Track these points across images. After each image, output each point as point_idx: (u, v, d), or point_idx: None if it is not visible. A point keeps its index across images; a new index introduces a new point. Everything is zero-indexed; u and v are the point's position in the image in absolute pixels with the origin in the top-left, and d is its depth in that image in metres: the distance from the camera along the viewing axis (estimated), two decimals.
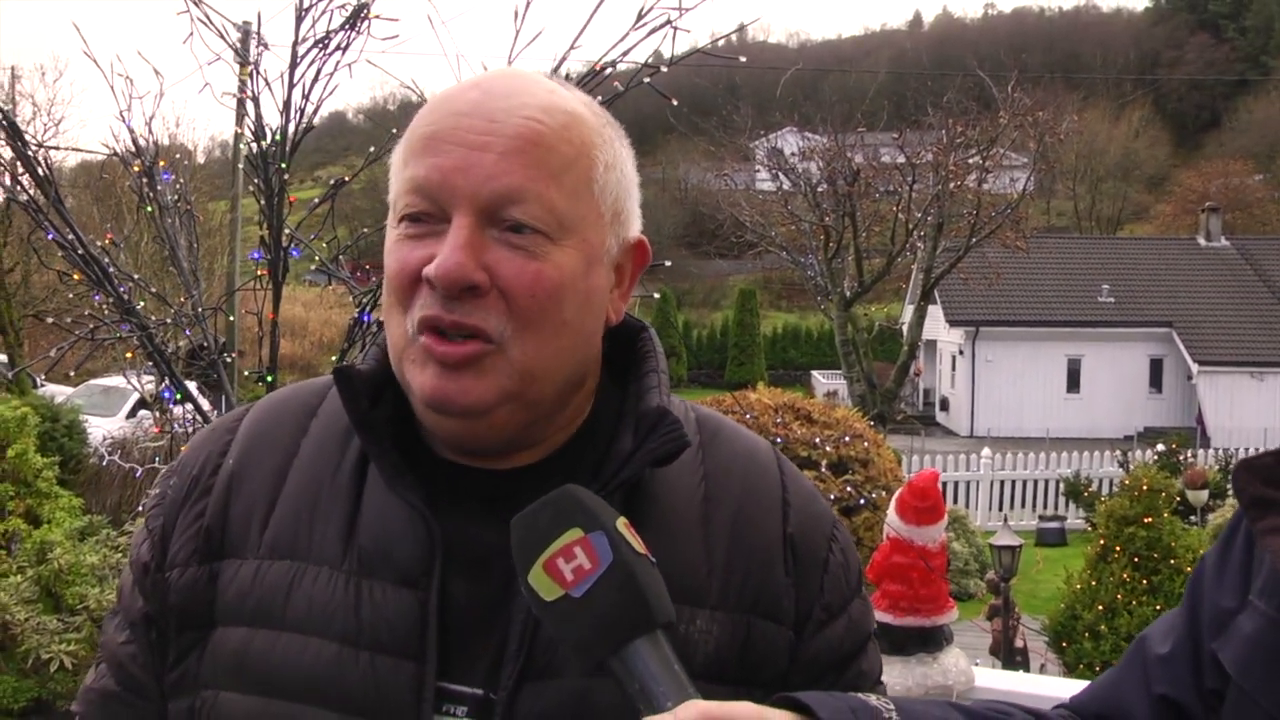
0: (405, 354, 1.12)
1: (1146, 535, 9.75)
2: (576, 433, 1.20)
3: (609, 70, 4.31)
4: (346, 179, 5.13)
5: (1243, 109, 67.02)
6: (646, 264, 1.24)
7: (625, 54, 4.27)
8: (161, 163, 5.33)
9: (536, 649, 1.09)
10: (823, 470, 9.83)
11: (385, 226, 1.18)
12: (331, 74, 4.68)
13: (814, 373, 41.83)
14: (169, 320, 5.30)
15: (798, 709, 1.01)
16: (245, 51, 4.93)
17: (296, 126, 4.73)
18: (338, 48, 4.64)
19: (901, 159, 24.98)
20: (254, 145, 4.77)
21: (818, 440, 10.10)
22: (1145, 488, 9.91)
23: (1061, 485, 20.32)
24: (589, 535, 0.98)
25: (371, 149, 4.93)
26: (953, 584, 11.95)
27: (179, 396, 5.08)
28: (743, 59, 5.66)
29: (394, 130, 4.28)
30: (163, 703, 1.20)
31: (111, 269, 4.90)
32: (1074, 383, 35.38)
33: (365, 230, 6.25)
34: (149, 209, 5.27)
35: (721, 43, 4.73)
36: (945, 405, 37.94)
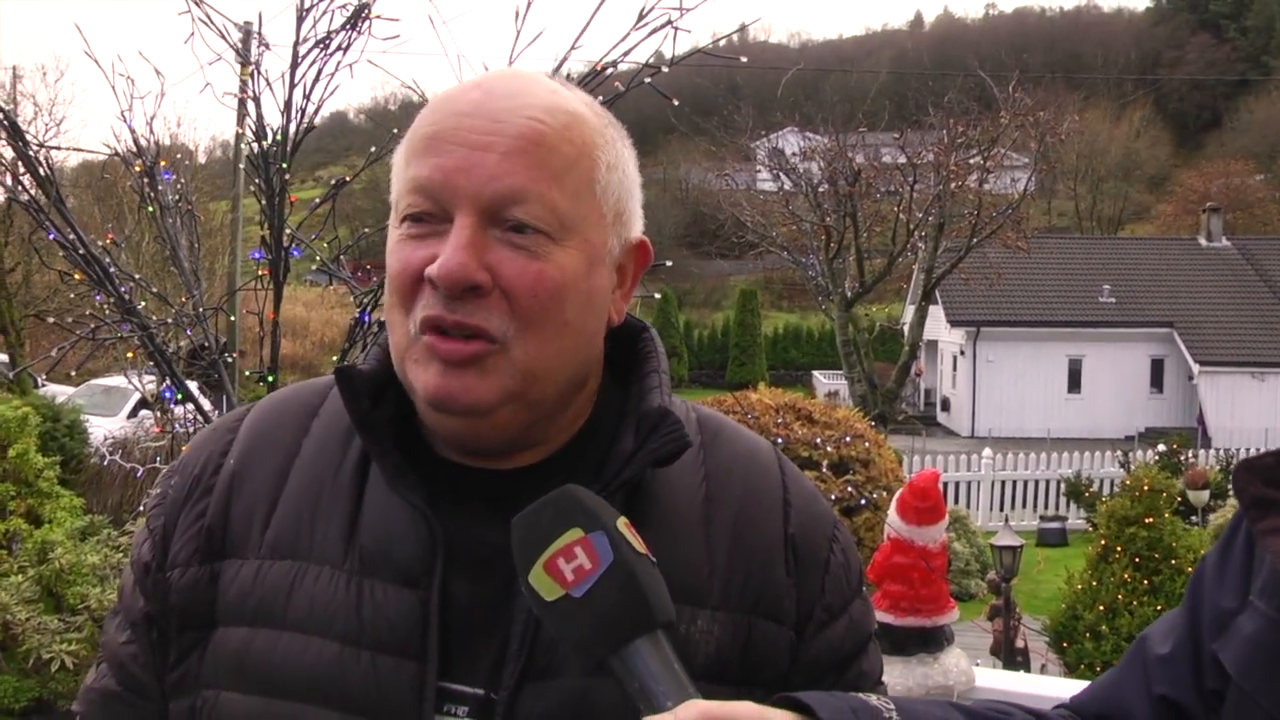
0: (408, 353, 1.12)
1: (1147, 536, 9.75)
2: (578, 433, 1.20)
3: (610, 70, 4.32)
4: (347, 179, 5.13)
5: (1244, 109, 66.99)
6: (648, 265, 1.24)
7: (626, 54, 4.27)
8: (163, 163, 5.33)
9: (538, 649, 1.09)
10: (824, 470, 9.84)
11: (386, 226, 1.18)
12: (332, 74, 4.69)
13: (815, 373, 41.82)
14: (170, 320, 5.31)
15: (798, 709, 1.01)
16: (246, 51, 4.93)
17: (297, 126, 4.73)
18: (339, 48, 4.64)
19: (903, 159, 24.98)
20: (255, 145, 4.77)
21: (819, 440, 10.10)
22: (1146, 488, 9.91)
23: (1062, 485, 20.32)
24: (589, 535, 0.98)
25: (373, 149, 4.94)
26: (954, 584, 11.96)
27: (180, 396, 5.08)
28: (744, 59, 5.66)
29: (395, 130, 4.29)
30: (164, 702, 1.20)
31: (113, 269, 4.90)
32: (1075, 383, 35.37)
33: (366, 230, 6.24)
34: (150, 209, 5.27)
35: (723, 43, 4.73)
36: (946, 405, 37.93)
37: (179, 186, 5.50)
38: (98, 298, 5.13)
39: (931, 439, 29.45)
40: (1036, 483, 20.65)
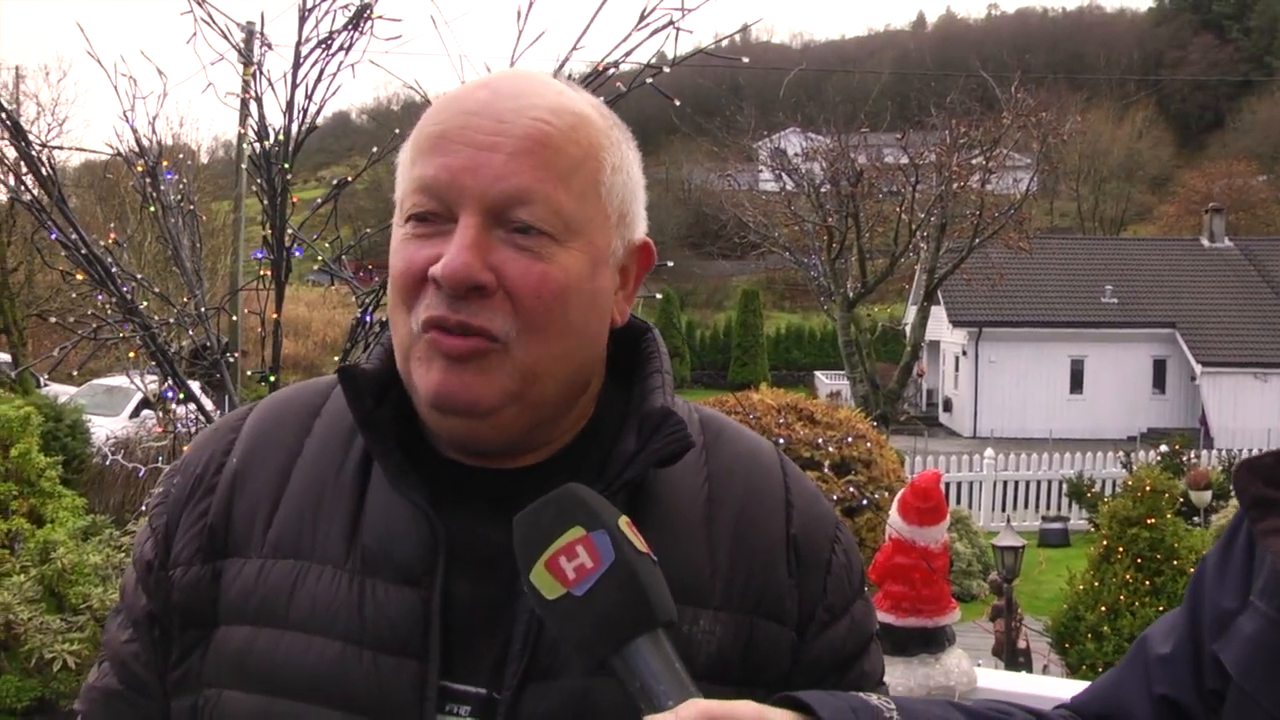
0: (411, 352, 1.12)
1: (1149, 536, 9.75)
2: (581, 433, 1.20)
3: (611, 71, 4.31)
4: (349, 179, 5.12)
5: (1246, 109, 66.99)
6: (651, 266, 1.24)
7: (628, 54, 4.26)
8: (165, 163, 5.33)
9: (540, 649, 1.09)
10: (825, 471, 9.84)
11: (389, 227, 1.18)
12: (334, 74, 4.68)
13: (817, 373, 41.82)
14: (172, 320, 5.31)
15: (799, 708, 1.01)
16: (248, 51, 4.93)
17: (299, 126, 4.73)
18: (341, 48, 4.63)
19: (905, 159, 25.01)
20: (257, 145, 4.77)
21: (820, 441, 10.11)
22: (1148, 489, 9.91)
23: (1064, 486, 20.32)
24: (591, 534, 0.98)
25: (374, 149, 4.93)
26: (955, 585, 11.97)
27: (182, 396, 5.08)
28: (746, 59, 5.65)
29: (397, 130, 4.29)
30: (165, 701, 1.20)
31: (115, 269, 4.90)
32: (1077, 383, 35.37)
33: (369, 230, 6.25)
34: (152, 209, 5.27)
35: (725, 43, 4.72)
36: (948, 406, 37.93)
37: (181, 186, 5.49)
38: (99, 297, 5.13)
39: (933, 439, 29.45)
40: (1038, 483, 20.65)
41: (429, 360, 1.10)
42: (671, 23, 4.17)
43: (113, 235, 5.44)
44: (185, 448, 1.35)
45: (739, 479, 1.24)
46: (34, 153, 4.87)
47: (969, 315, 34.76)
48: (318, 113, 4.74)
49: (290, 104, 4.69)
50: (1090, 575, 10.17)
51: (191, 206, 5.55)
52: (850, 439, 10.37)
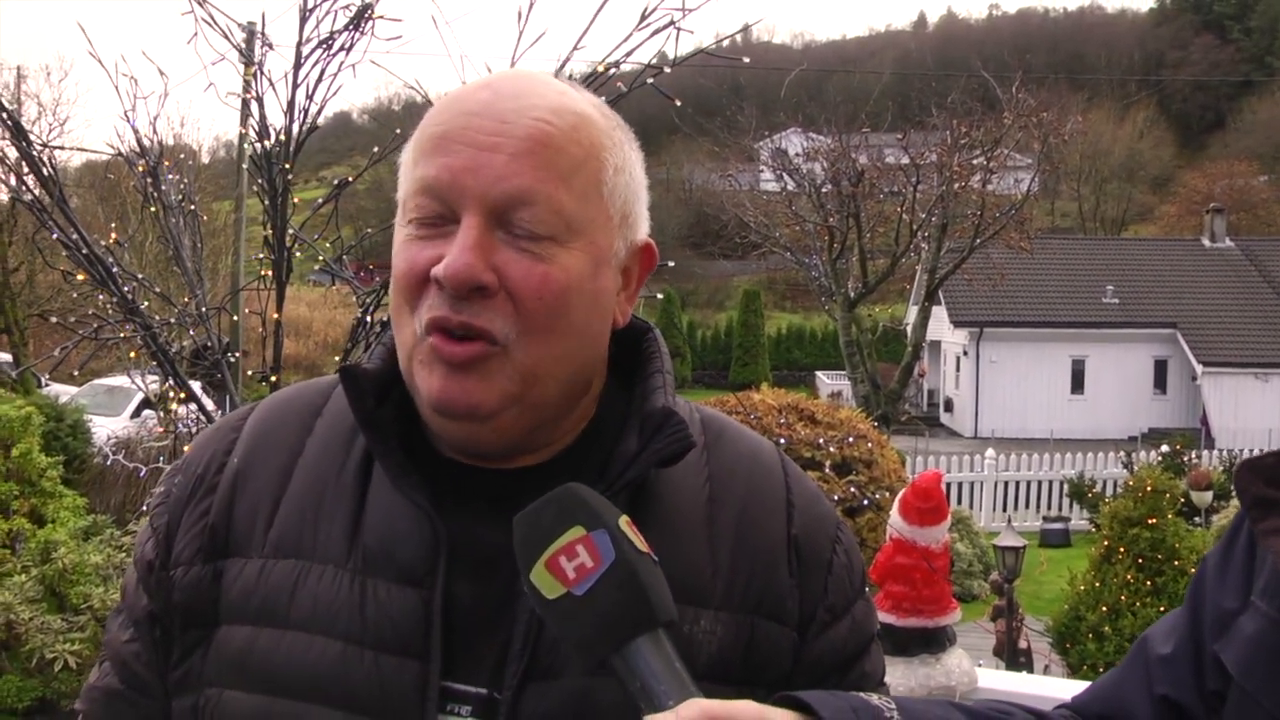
0: (414, 354, 1.12)
1: (1150, 536, 9.74)
2: (582, 433, 1.20)
3: (612, 71, 4.31)
4: (350, 179, 5.12)
5: (1247, 110, 66.96)
6: (653, 267, 1.24)
7: (629, 55, 4.26)
8: (166, 163, 5.33)
9: (541, 649, 1.10)
10: (826, 471, 9.84)
11: (390, 227, 1.18)
12: (335, 74, 4.68)
13: (818, 373, 41.82)
14: (173, 320, 5.31)
15: (799, 708, 1.01)
16: (249, 52, 4.93)
17: (300, 127, 4.73)
18: (342, 48, 4.63)
19: (906, 160, 25.02)
20: (258, 145, 4.77)
21: (821, 441, 10.11)
22: (1149, 489, 9.90)
23: (1065, 486, 20.30)
24: (591, 533, 0.98)
25: (376, 149, 4.93)
26: (956, 585, 11.96)
27: (183, 396, 5.08)
28: (746, 60, 5.65)
29: (398, 130, 4.29)
30: (166, 701, 1.20)
31: (115, 269, 4.90)
32: (1078, 384, 35.37)
33: (370, 230, 6.25)
34: (153, 209, 5.27)
35: (726, 43, 4.73)
36: (949, 406, 37.92)
37: (182, 186, 5.50)
38: (100, 298, 5.14)
39: (934, 439, 29.44)
40: (1039, 483, 20.63)
41: (431, 365, 1.10)
42: (672, 23, 4.17)
43: (114, 235, 5.44)
44: (186, 448, 1.35)
45: (740, 479, 1.24)
46: (35, 153, 4.87)
47: (970, 315, 34.75)
48: (319, 113, 4.74)
49: (291, 104, 4.69)
50: (1091, 575, 10.17)
51: (192, 206, 5.55)
52: (851, 439, 10.37)
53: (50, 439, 11.46)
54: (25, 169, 4.99)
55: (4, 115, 4.79)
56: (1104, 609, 9.76)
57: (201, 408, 5.23)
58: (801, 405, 10.83)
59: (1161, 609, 9.20)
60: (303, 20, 4.63)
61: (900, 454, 13.10)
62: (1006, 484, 20.49)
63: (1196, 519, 15.73)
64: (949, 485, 18.04)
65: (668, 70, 4.37)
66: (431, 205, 1.10)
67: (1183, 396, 34.58)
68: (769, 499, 1.24)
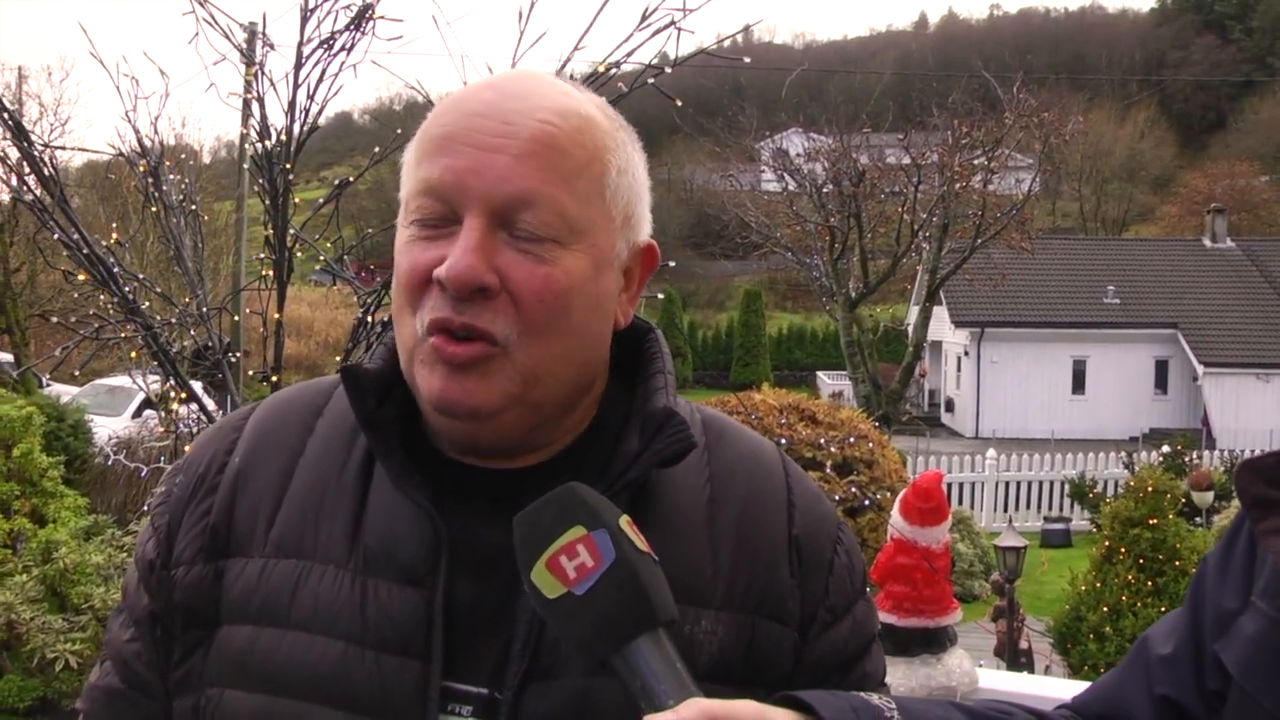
0: (415, 354, 1.12)
1: (1151, 537, 9.74)
2: (583, 433, 1.20)
3: (613, 71, 4.31)
4: (351, 179, 5.13)
5: (1249, 110, 66.96)
6: (655, 268, 1.24)
7: (629, 55, 4.26)
8: (167, 163, 5.34)
9: (542, 649, 1.10)
10: (827, 471, 9.83)
11: (391, 227, 1.18)
12: (336, 74, 4.68)
13: (819, 374, 41.81)
14: (174, 320, 5.31)
15: (799, 708, 1.02)
16: (250, 52, 4.93)
17: (301, 127, 4.73)
18: (342, 48, 4.64)
19: (907, 160, 25.01)
20: (259, 145, 4.78)
21: (822, 441, 10.10)
22: (1150, 489, 9.90)
23: (1066, 486, 20.29)
24: (592, 533, 0.98)
25: (377, 149, 4.94)
26: (957, 585, 11.96)
27: (183, 396, 5.09)
28: (748, 60, 5.65)
29: (399, 130, 4.29)
30: (167, 700, 1.20)
31: (116, 269, 4.90)
32: (1079, 384, 35.37)
33: (371, 231, 6.25)
34: (154, 209, 5.27)
35: (727, 43, 4.72)
36: (950, 406, 37.92)
37: (183, 186, 5.50)
38: (101, 298, 5.14)
39: (935, 440, 29.44)
40: (1040, 484, 20.63)
41: (432, 365, 1.10)
42: (673, 23, 4.17)
43: (115, 235, 5.44)
44: (187, 448, 1.35)
45: (741, 479, 1.24)
46: (36, 153, 4.88)
47: (971, 315, 34.75)
48: (319, 113, 4.74)
49: (292, 104, 4.69)
50: (1092, 576, 10.16)
51: (194, 207, 5.55)
52: (852, 439, 10.36)
53: (51, 439, 11.46)
54: (27, 169, 5.00)
55: (5, 115, 4.79)
56: (1105, 609, 9.76)
57: (202, 408, 5.23)
58: (803, 405, 10.82)
59: (1162, 609, 9.19)
60: (304, 20, 4.64)
61: (901, 454, 13.09)
62: (1007, 484, 20.49)
63: (1198, 519, 15.72)
64: (950, 485, 18.03)
65: (668, 70, 4.37)
66: (434, 206, 1.10)
67: (1184, 397, 34.57)
68: (770, 499, 1.24)
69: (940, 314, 32.40)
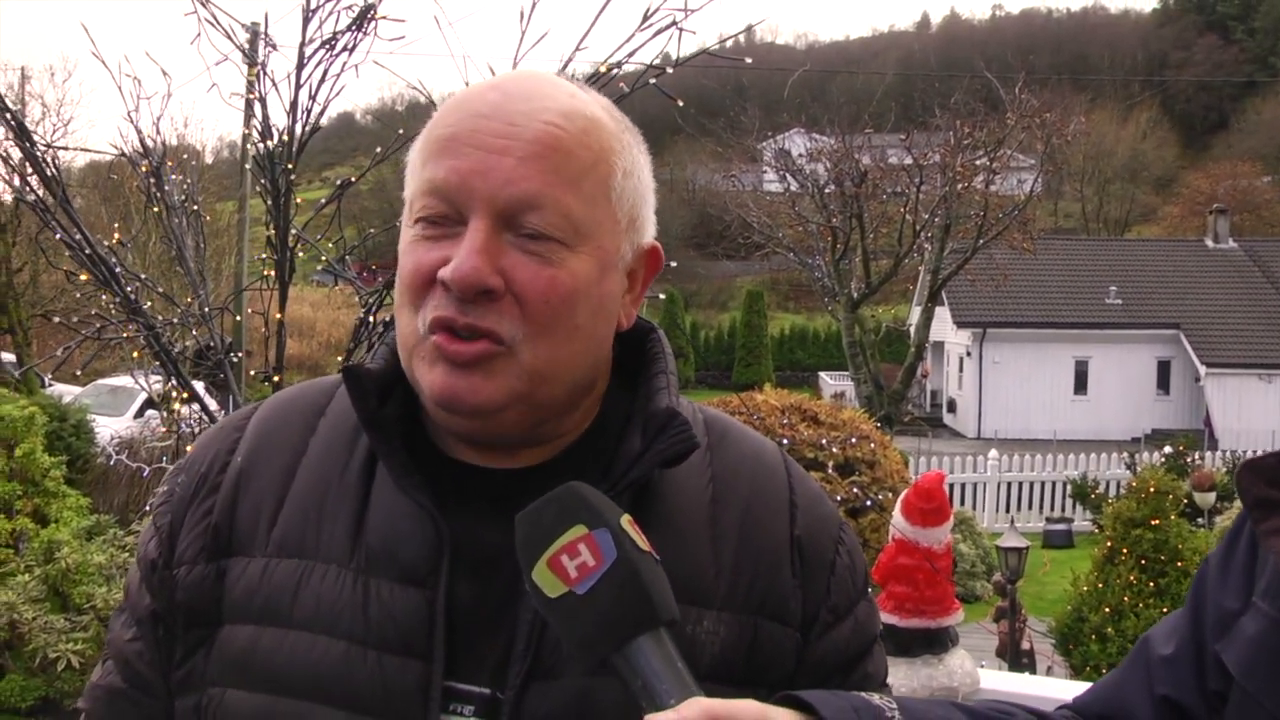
0: (415, 351, 1.12)
1: (1153, 537, 9.73)
2: (585, 433, 1.20)
3: (615, 71, 4.31)
4: (353, 180, 5.13)
5: (1251, 110, 66.91)
6: (659, 269, 1.24)
7: (631, 55, 4.27)
8: (169, 163, 5.34)
9: (544, 649, 1.10)
10: (829, 472, 9.83)
11: (392, 228, 1.18)
12: (338, 75, 4.69)
13: (821, 374, 41.81)
14: (176, 320, 5.32)
15: (801, 707, 1.02)
16: (253, 52, 4.93)
17: (303, 127, 4.74)
18: (344, 49, 4.65)
19: (909, 160, 24.99)
20: (261, 146, 4.78)
21: (824, 441, 10.09)
22: (1152, 490, 9.89)
23: (1068, 487, 20.28)
24: (593, 532, 0.98)
25: (379, 150, 4.94)
26: (959, 586, 11.95)
27: (185, 396, 5.09)
28: (749, 60, 5.66)
29: (401, 131, 4.30)
30: (169, 700, 1.20)
31: (119, 269, 4.91)
32: (1081, 384, 35.34)
33: (372, 231, 6.26)
34: (156, 209, 5.28)
35: (729, 44, 4.72)
36: (952, 407, 37.90)
37: (185, 187, 5.51)
38: (104, 298, 5.15)
39: (937, 440, 29.44)
40: (1042, 484, 20.61)
41: (433, 362, 1.10)
42: (675, 23, 4.17)
43: (117, 235, 5.45)
44: (189, 447, 1.35)
45: (743, 480, 1.24)
46: (39, 153, 4.88)
47: (973, 316, 34.74)
48: (321, 113, 4.75)
49: (294, 104, 4.70)
50: (1094, 576, 10.16)
51: (195, 207, 5.56)
52: (854, 440, 10.35)
53: (54, 439, 11.46)
54: (29, 169, 5.00)
55: (8, 116, 4.80)
56: (1107, 610, 9.75)
57: (204, 408, 5.24)
58: (804, 406, 10.82)
59: (1164, 610, 9.19)
60: (306, 21, 4.64)
61: (903, 455, 13.08)
62: (1009, 485, 20.47)
63: (1199, 520, 15.71)
64: (952, 486, 18.03)
65: (670, 71, 4.38)
66: (439, 206, 1.10)
67: (1186, 397, 34.55)
68: (772, 500, 1.24)
69: (942, 314, 32.40)
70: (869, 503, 9.82)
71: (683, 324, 44.61)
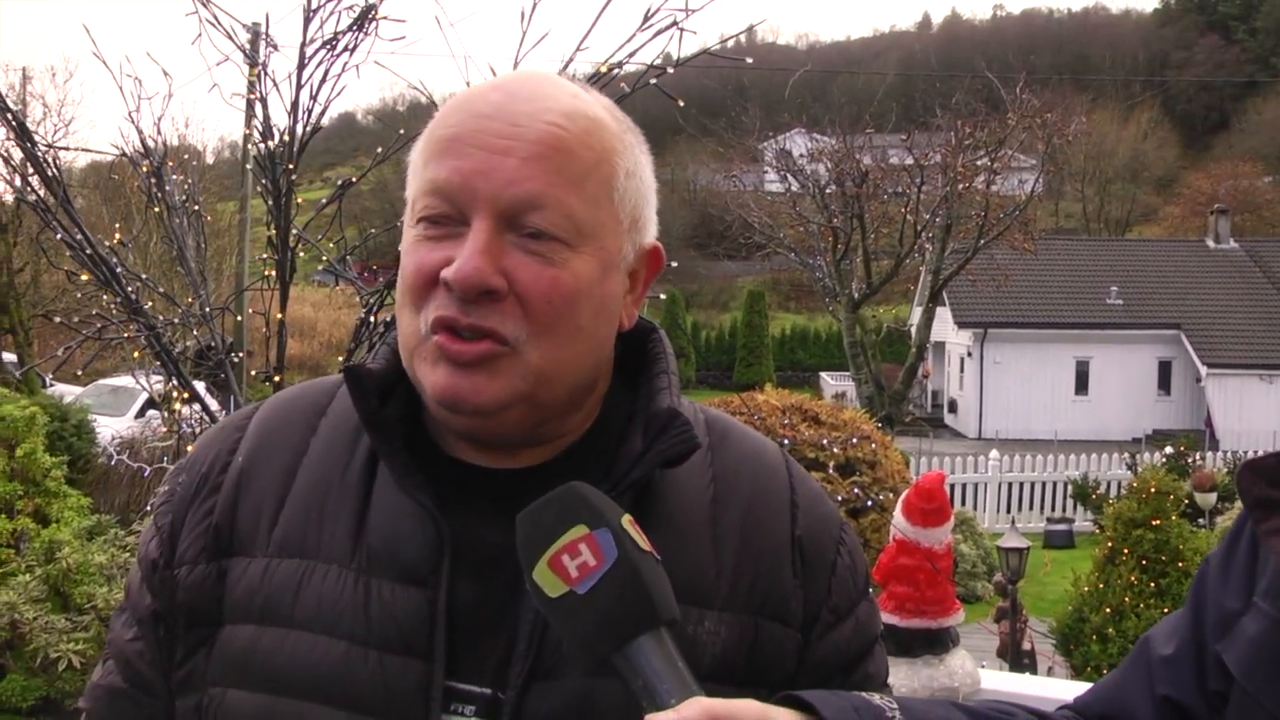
0: (418, 351, 1.12)
1: (1154, 538, 9.73)
2: (586, 433, 1.20)
3: (616, 72, 4.31)
4: (354, 180, 5.14)
5: (1252, 110, 66.89)
6: (661, 270, 1.24)
7: (632, 55, 4.27)
8: (170, 163, 5.35)
9: (545, 649, 1.10)
10: (830, 472, 9.83)
11: (393, 228, 1.19)
12: (339, 75, 4.69)
13: (822, 374, 41.81)
14: (177, 320, 5.32)
15: (801, 707, 1.02)
16: (254, 52, 4.93)
17: (304, 127, 4.74)
18: (345, 49, 4.65)
19: (910, 160, 25.01)
20: (262, 146, 4.78)
21: (825, 442, 10.09)
22: (1153, 490, 9.89)
23: (1069, 487, 20.27)
24: (594, 532, 0.98)
25: (380, 150, 4.95)
26: (960, 586, 11.93)
27: (186, 396, 5.09)
28: (750, 60, 5.66)
29: (402, 131, 4.30)
30: (170, 700, 1.20)
31: (120, 269, 4.91)
32: (1082, 385, 35.34)
33: (374, 231, 6.26)
34: (157, 209, 5.29)
35: (729, 44, 4.72)
36: (953, 407, 37.90)
37: (186, 187, 5.51)
38: (105, 298, 5.15)
39: (938, 440, 29.44)
40: (1043, 484, 20.60)
41: (435, 362, 1.10)
42: (675, 23, 4.17)
43: (118, 236, 5.45)
44: (190, 447, 1.35)
45: (744, 480, 1.24)
46: (40, 153, 4.89)
47: (974, 316, 34.74)
48: (322, 113, 4.76)
49: (295, 105, 4.70)
50: (1095, 577, 10.15)
51: (196, 207, 5.56)
52: (855, 440, 10.35)
53: (55, 439, 11.45)
54: (30, 169, 5.00)
55: (9, 116, 4.80)
56: (1108, 610, 9.75)
57: (205, 408, 5.24)
58: (805, 406, 10.82)
59: (1165, 610, 9.18)
60: (307, 21, 4.65)
61: (904, 455, 13.07)
62: (1010, 485, 20.46)
63: (1200, 520, 15.71)
64: (952, 486, 18.03)
65: (671, 71, 4.38)
66: (441, 207, 1.10)
67: (1187, 398, 34.54)
68: (773, 500, 1.24)
69: (943, 315, 32.39)
70: (870, 503, 9.82)
71: (684, 324, 44.65)
